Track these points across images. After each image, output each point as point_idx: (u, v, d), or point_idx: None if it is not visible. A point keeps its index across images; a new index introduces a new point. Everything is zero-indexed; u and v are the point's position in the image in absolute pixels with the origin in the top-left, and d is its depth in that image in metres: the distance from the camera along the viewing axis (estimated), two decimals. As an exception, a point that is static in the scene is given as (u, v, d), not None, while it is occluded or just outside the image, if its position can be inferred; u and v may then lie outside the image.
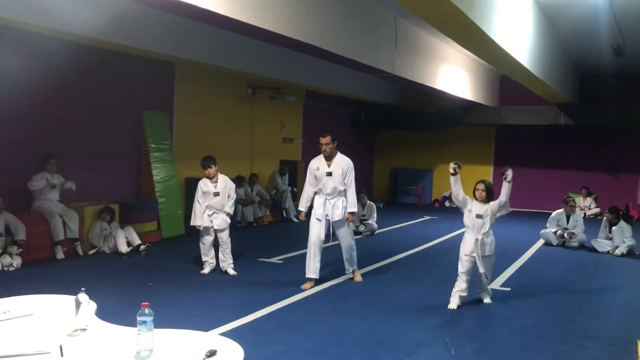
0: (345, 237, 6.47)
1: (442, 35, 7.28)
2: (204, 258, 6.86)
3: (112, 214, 8.02)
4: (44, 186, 7.31)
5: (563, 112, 13.77)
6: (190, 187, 10.14)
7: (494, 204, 5.59)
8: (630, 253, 8.77)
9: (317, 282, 6.37)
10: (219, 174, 6.81)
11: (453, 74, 10.99)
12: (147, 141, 9.17)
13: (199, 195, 6.78)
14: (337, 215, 6.33)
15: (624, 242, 8.77)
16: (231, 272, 6.77)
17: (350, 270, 6.63)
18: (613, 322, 5.41)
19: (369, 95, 13.25)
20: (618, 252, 8.71)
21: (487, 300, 5.84)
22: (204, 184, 6.77)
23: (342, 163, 6.37)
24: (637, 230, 9.23)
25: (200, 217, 6.75)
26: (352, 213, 6.45)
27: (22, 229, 6.84)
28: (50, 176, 7.41)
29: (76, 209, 7.65)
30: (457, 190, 5.60)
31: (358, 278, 6.63)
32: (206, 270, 6.81)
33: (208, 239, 6.81)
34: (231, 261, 6.84)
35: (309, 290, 6.14)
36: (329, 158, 6.38)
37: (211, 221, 6.75)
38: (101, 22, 6.32)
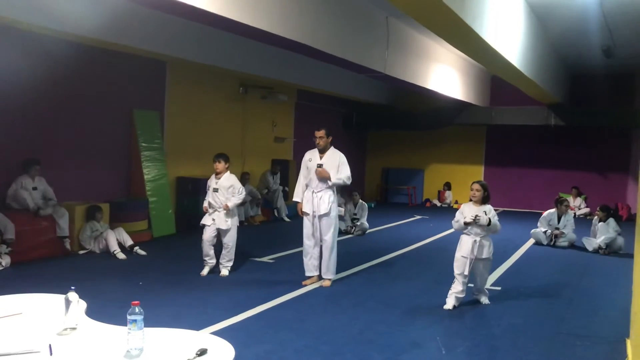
0: (327, 234, 6.35)
1: (434, 35, 7.31)
2: (203, 257, 6.79)
3: (100, 212, 7.95)
4: (17, 192, 7.21)
5: (553, 113, 13.86)
6: (181, 186, 10.13)
7: (490, 212, 5.55)
8: (616, 252, 8.91)
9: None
10: (228, 172, 6.77)
11: (444, 74, 11.02)
12: (137, 140, 9.13)
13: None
14: (323, 209, 6.31)
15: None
16: (223, 272, 6.73)
17: (328, 277, 6.41)
18: (602, 321, 5.45)
19: (361, 94, 13.27)
20: (602, 243, 8.91)
21: (484, 301, 5.81)
22: (210, 179, 6.85)
23: (335, 156, 6.41)
24: (626, 229, 9.30)
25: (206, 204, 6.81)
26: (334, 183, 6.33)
27: (11, 228, 6.78)
28: (32, 181, 7.34)
29: (66, 208, 7.60)
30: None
31: (326, 283, 6.37)
32: (205, 271, 6.74)
33: (207, 238, 6.72)
34: (229, 264, 6.77)
35: (299, 290, 6.14)
36: (322, 151, 6.43)
37: (213, 219, 6.71)
38: (92, 21, 6.29)
